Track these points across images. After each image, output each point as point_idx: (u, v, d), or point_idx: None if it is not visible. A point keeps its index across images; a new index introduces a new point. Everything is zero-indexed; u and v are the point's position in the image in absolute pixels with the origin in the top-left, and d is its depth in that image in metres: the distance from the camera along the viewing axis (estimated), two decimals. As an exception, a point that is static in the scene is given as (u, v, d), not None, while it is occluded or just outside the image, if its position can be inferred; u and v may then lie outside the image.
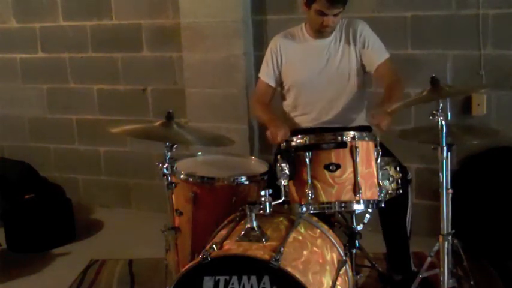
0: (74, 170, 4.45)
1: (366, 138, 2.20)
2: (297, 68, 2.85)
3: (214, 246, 1.98)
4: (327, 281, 2.02)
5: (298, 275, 1.87)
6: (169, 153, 2.23)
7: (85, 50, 4.21)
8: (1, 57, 4.45)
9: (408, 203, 2.71)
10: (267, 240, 2.01)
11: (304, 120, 2.86)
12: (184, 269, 1.99)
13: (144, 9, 4.00)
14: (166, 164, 2.22)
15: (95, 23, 4.14)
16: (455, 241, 2.36)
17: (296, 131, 2.69)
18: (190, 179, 2.50)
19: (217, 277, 1.92)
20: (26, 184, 4.07)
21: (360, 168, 2.15)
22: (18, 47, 4.39)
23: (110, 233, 3.96)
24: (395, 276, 2.78)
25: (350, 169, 2.14)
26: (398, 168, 2.32)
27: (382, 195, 2.22)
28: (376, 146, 2.22)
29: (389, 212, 2.51)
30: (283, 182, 2.16)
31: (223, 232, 2.16)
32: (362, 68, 2.79)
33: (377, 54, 2.76)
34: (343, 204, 2.17)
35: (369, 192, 2.18)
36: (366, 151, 2.19)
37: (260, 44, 3.66)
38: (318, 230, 2.25)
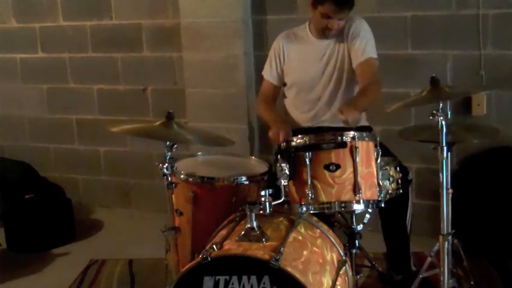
0: (74, 170, 4.45)
1: (366, 138, 2.20)
2: (298, 67, 2.85)
3: (214, 246, 1.98)
4: (327, 281, 2.02)
5: (298, 275, 1.87)
6: (169, 153, 2.23)
7: (85, 50, 4.21)
8: (1, 57, 4.45)
9: (408, 203, 2.71)
10: (267, 240, 2.01)
11: (304, 119, 2.87)
12: (184, 269, 1.99)
13: (144, 9, 4.00)
14: (166, 164, 2.22)
15: (95, 23, 4.14)
16: (455, 241, 2.36)
17: (296, 130, 2.70)
18: (190, 179, 2.50)
19: (217, 277, 1.91)
20: (26, 184, 4.07)
21: (360, 168, 2.15)
22: (18, 47, 4.39)
23: (110, 233, 3.96)
24: (395, 276, 2.78)
25: (350, 169, 2.14)
26: (398, 168, 2.32)
27: (382, 195, 2.22)
28: (376, 146, 2.22)
29: (390, 212, 2.51)
30: (283, 182, 2.15)
31: (223, 232, 2.16)
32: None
33: (360, 52, 2.70)
34: (343, 204, 2.16)
35: (369, 192, 2.18)
36: (366, 151, 2.19)
37: (260, 44, 3.67)
38: (318, 230, 2.25)
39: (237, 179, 2.48)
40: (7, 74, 4.46)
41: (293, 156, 2.17)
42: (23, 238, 3.68)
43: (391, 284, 2.80)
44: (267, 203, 2.06)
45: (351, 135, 2.16)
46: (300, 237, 2.13)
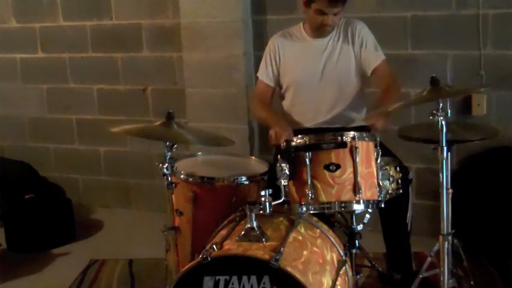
0: (74, 170, 4.45)
1: (366, 138, 2.20)
2: (295, 67, 2.85)
3: (214, 246, 1.98)
4: (327, 281, 2.02)
5: (298, 275, 1.87)
6: (169, 153, 2.23)
7: (85, 50, 4.21)
8: (1, 57, 4.45)
9: (408, 203, 2.71)
10: (267, 240, 2.01)
11: (302, 120, 2.86)
12: (184, 269, 1.99)
13: (144, 9, 4.00)
14: (166, 164, 2.22)
15: (95, 23, 4.14)
16: (455, 241, 2.36)
17: (296, 131, 2.69)
18: (190, 179, 2.49)
19: (217, 277, 1.91)
20: (26, 184, 4.07)
21: (360, 168, 2.15)
22: (18, 47, 4.39)
23: (110, 233, 3.96)
24: (395, 276, 2.78)
25: (350, 169, 2.14)
26: (398, 168, 2.32)
27: (382, 195, 2.22)
28: (376, 146, 2.22)
29: (390, 212, 2.51)
30: (283, 182, 2.15)
31: (223, 232, 2.16)
32: (360, 67, 2.79)
33: (374, 56, 2.77)
34: (343, 204, 2.16)
35: (369, 192, 2.18)
36: (366, 151, 2.19)
37: (260, 44, 3.66)
38: (318, 230, 2.25)
39: (237, 179, 2.48)
40: (7, 74, 4.46)
41: (293, 156, 2.17)
42: (23, 238, 3.68)
43: (391, 284, 2.80)
44: (267, 203, 2.06)
45: (351, 135, 2.17)
46: (300, 237, 2.13)
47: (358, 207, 2.18)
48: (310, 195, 2.13)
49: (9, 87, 4.50)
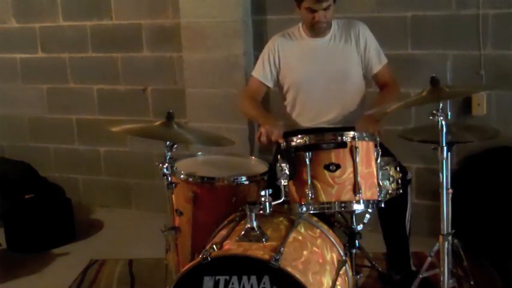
0: (74, 170, 4.45)
1: (366, 138, 2.20)
2: (295, 67, 2.85)
3: (214, 246, 1.98)
4: (327, 281, 2.02)
5: (298, 275, 1.87)
6: (169, 153, 2.23)
7: (85, 50, 4.21)
8: (1, 57, 4.45)
9: (408, 203, 2.72)
10: (267, 240, 2.01)
11: (303, 120, 2.87)
12: (184, 269, 1.99)
13: (144, 9, 4.00)
14: (166, 164, 2.22)
15: (95, 23, 4.14)
16: (455, 241, 2.36)
17: (296, 131, 2.69)
18: (190, 179, 2.49)
19: (217, 277, 1.92)
20: (26, 184, 4.07)
21: (360, 168, 2.15)
22: (18, 47, 4.39)
23: (110, 233, 3.96)
24: (394, 276, 2.78)
25: (350, 169, 2.14)
26: (398, 168, 2.32)
27: (382, 195, 2.22)
28: (376, 146, 2.22)
29: (389, 212, 2.51)
30: (283, 182, 2.15)
31: (223, 232, 2.16)
32: (362, 69, 2.80)
33: (376, 59, 2.81)
34: (343, 204, 2.16)
35: (368, 192, 2.18)
36: (366, 151, 2.19)
37: (260, 44, 3.65)
38: (318, 230, 2.25)
39: (237, 179, 2.48)
40: (7, 74, 4.46)
41: (293, 156, 2.17)
42: (23, 238, 3.68)
43: (391, 284, 2.80)
44: (267, 203, 2.06)
45: (351, 135, 2.16)
46: (300, 237, 2.13)
47: (358, 207, 2.18)
48: (310, 195, 2.13)
49: (9, 87, 4.50)
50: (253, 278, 1.89)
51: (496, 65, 3.30)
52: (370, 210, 2.34)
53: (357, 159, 2.14)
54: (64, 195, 4.08)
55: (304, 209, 2.16)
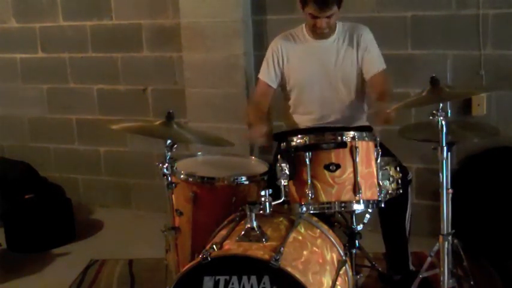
0: (74, 170, 4.45)
1: (366, 138, 2.20)
2: (298, 68, 2.85)
3: (214, 246, 1.98)
4: (327, 281, 2.02)
5: (298, 275, 1.87)
6: (169, 153, 2.23)
7: (85, 50, 4.21)
8: (1, 57, 4.45)
9: (408, 203, 2.71)
10: (267, 240, 2.01)
11: (305, 120, 2.87)
12: (184, 269, 1.99)
13: (144, 9, 4.00)
14: (166, 164, 2.22)
15: (95, 23, 4.14)
16: (455, 241, 2.36)
17: (296, 130, 2.69)
18: (190, 179, 2.49)
19: (217, 277, 1.92)
20: (26, 184, 4.07)
21: (360, 168, 2.15)
22: (18, 47, 4.39)
23: (110, 233, 3.96)
24: (394, 276, 2.78)
25: (350, 169, 2.14)
26: (398, 168, 2.32)
27: (382, 195, 2.22)
28: (376, 146, 2.22)
29: (389, 212, 2.51)
30: (283, 182, 2.16)
31: (223, 232, 2.16)
32: (361, 71, 2.80)
33: (375, 63, 2.79)
34: (343, 204, 2.16)
35: (369, 192, 2.18)
36: (366, 151, 2.19)
37: (260, 44, 3.66)
38: (318, 230, 2.25)
39: (237, 179, 2.48)
40: (7, 74, 4.46)
41: (293, 156, 2.17)
42: (23, 238, 3.68)
43: (391, 284, 2.80)
44: (267, 203, 2.06)
45: (351, 135, 2.17)
46: (300, 237, 2.13)
47: (358, 207, 2.18)
48: (310, 195, 2.13)
49: (9, 87, 4.50)
50: (253, 278, 1.89)
51: (496, 65, 3.30)
52: (370, 210, 2.34)
53: (357, 159, 2.14)
54: (64, 195, 4.07)
55: (304, 209, 2.17)
